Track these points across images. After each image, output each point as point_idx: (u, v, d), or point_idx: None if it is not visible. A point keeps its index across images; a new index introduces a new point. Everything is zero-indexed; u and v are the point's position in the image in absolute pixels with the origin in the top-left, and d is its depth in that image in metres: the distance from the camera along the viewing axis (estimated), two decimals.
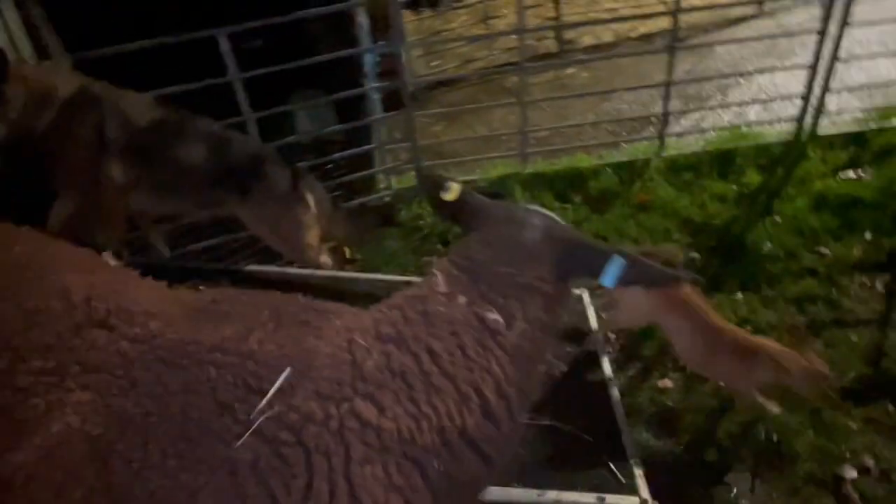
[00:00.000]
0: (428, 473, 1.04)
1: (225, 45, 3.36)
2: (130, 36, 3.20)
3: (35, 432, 0.99)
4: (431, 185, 1.42)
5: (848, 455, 2.48)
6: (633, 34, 6.82)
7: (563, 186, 4.18)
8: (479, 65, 6.80)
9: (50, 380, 1.04)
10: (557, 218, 1.37)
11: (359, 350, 1.09)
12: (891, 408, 2.65)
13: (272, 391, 1.00)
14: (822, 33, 3.95)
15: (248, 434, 0.97)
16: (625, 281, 1.26)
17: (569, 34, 6.78)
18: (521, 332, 1.18)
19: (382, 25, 5.98)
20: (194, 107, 2.99)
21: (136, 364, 1.06)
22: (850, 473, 2.43)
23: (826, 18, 3.97)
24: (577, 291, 3.05)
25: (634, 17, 6.82)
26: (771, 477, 2.43)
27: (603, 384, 2.55)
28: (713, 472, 2.48)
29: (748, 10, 7.29)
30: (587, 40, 6.84)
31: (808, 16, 6.53)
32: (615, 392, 2.48)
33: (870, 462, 2.46)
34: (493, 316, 1.17)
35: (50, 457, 0.97)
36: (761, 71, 5.32)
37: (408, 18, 7.46)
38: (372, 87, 3.88)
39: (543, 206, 4.00)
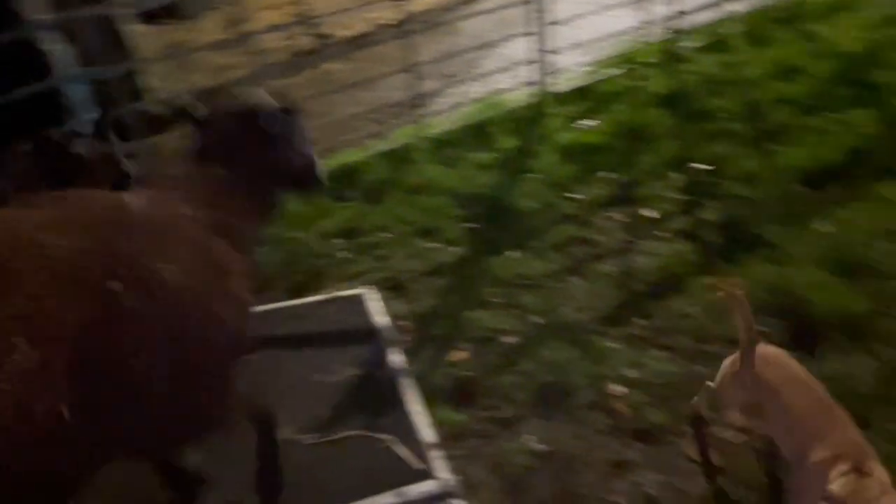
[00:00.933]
0: (223, 238, 1.82)
1: None
2: None
3: None
4: (186, 110, 2.08)
5: (614, 374, 2.79)
6: (386, 21, 6.93)
7: (338, 185, 4.13)
8: (238, 73, 6.42)
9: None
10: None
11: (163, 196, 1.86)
12: (642, 321, 3.03)
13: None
14: (528, 2, 4.35)
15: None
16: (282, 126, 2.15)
17: (324, 28, 6.70)
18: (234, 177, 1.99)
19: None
20: None
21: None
22: (620, 390, 2.74)
23: None
24: (355, 291, 3.04)
25: (365, 4, 6.81)
26: (556, 414, 2.65)
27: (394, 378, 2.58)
28: (508, 427, 2.63)
29: None
30: (342, 33, 6.82)
31: None
32: (401, 380, 2.51)
33: (634, 374, 2.80)
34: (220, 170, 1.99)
35: None
36: (503, 41, 5.71)
37: (149, 33, 6.81)
38: (81, 120, 3.43)
39: (320, 207, 3.92)
